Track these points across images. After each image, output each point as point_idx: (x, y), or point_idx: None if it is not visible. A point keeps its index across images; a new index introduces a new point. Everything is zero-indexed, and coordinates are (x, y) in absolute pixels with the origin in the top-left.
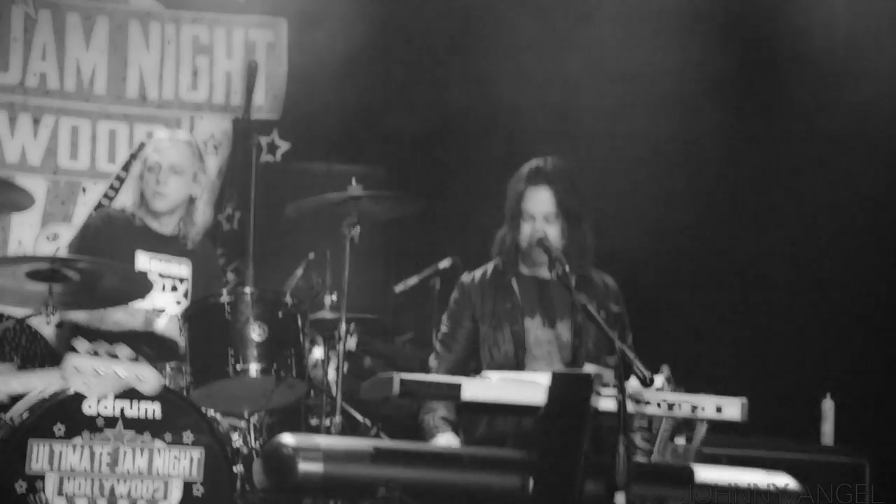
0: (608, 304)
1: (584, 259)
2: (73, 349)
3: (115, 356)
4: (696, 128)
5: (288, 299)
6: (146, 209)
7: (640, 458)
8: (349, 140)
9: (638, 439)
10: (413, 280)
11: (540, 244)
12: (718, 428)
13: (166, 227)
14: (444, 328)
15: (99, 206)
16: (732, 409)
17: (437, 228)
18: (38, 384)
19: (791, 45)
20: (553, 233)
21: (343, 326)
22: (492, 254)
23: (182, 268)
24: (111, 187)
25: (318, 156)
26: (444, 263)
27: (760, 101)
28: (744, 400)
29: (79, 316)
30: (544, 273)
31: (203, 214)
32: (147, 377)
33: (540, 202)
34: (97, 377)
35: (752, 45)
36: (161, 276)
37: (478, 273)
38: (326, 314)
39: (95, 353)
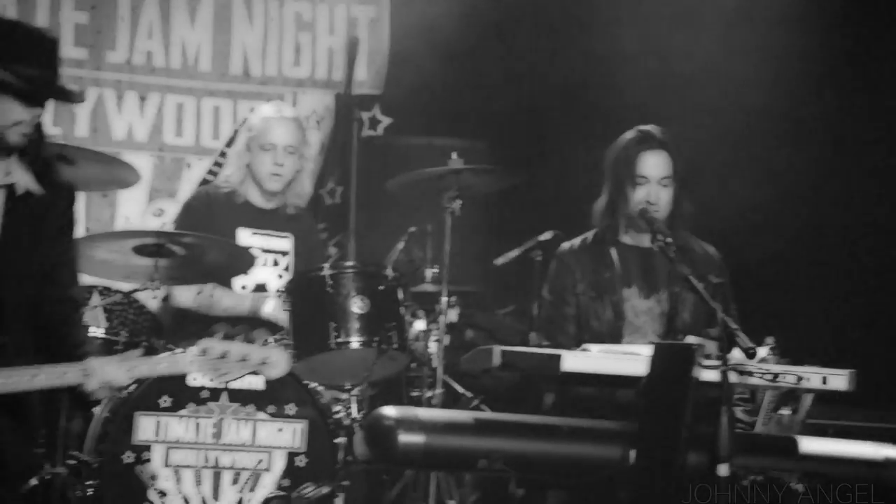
0: (710, 274)
1: (686, 227)
2: (179, 323)
3: (251, 341)
4: (803, 107)
5: (389, 272)
6: (255, 186)
7: (741, 430)
8: (450, 115)
9: (739, 412)
10: (514, 253)
11: (642, 214)
12: (825, 399)
13: (269, 202)
14: (544, 297)
15: (203, 182)
16: (839, 379)
17: (538, 201)
18: (166, 369)
19: None
20: (665, 197)
21: (444, 299)
22: (593, 223)
23: (284, 242)
24: (215, 163)
25: (418, 130)
26: (546, 236)
27: (872, 85)
28: (851, 371)
29: (187, 300)
30: (644, 242)
31: (305, 189)
32: (275, 361)
33: (657, 165)
34: (223, 362)
35: (871, 28)
36: (263, 251)
37: (577, 241)
38: (428, 287)
39: (231, 338)
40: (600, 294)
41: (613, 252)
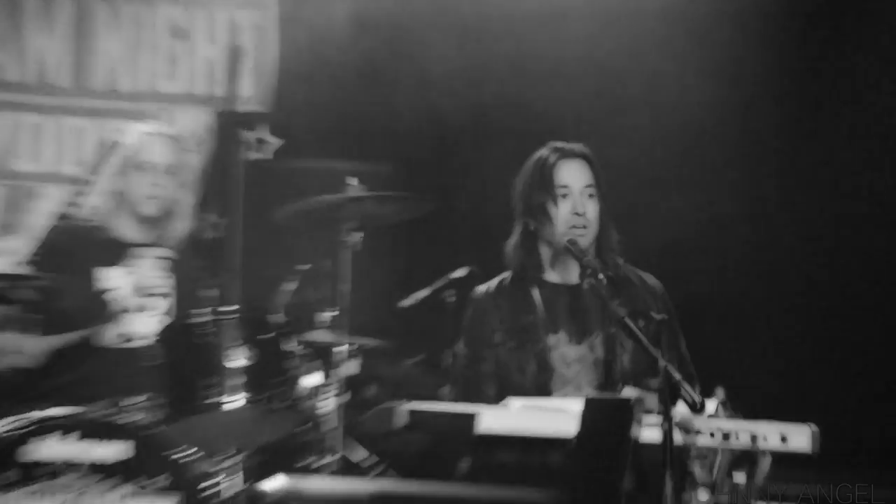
0: (651, 309)
1: (618, 254)
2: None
3: None
4: (753, 122)
5: (278, 318)
6: (128, 216)
7: (699, 492)
8: (349, 135)
9: (697, 468)
10: (423, 293)
11: (569, 247)
12: (785, 461)
13: (145, 234)
14: (458, 350)
15: (62, 216)
16: (800, 438)
17: (451, 234)
18: None
19: (856, 38)
20: (593, 210)
21: (343, 349)
22: (506, 265)
23: (160, 282)
24: (78, 192)
25: (313, 153)
26: (460, 273)
27: (826, 101)
28: (813, 427)
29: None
30: (572, 277)
31: (185, 220)
32: (28, 348)
33: (579, 172)
34: None
35: (821, 42)
36: (137, 293)
37: (493, 283)
38: (324, 335)
39: None
40: (522, 343)
41: (535, 293)
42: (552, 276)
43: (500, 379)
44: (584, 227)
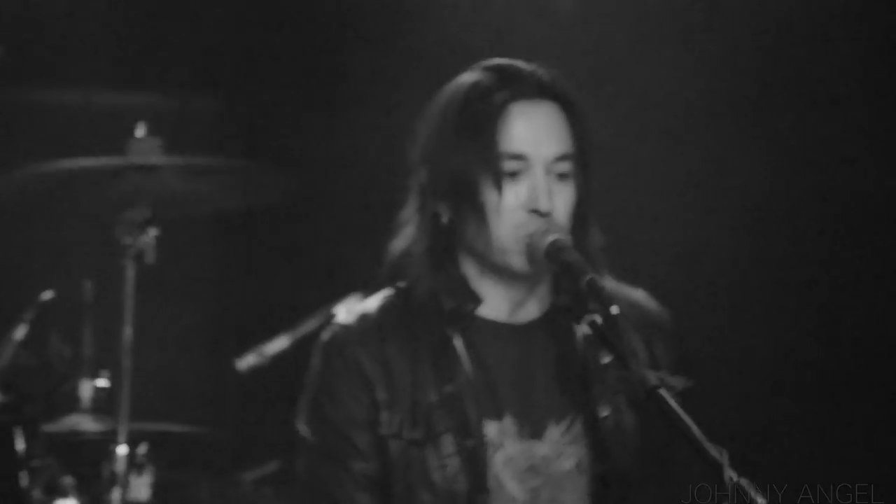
0: (660, 364)
1: (603, 265)
2: None
3: None
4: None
5: None
6: None
7: None
8: (133, 38)
9: None
10: (281, 343)
11: (552, 250)
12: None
13: None
14: (308, 447)
15: None
16: None
17: (330, 231)
18: None
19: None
20: (565, 201)
21: (121, 450)
22: (388, 276)
23: None
24: None
25: (65, 72)
26: (346, 306)
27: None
28: None
29: None
30: (525, 313)
31: None
32: None
33: (545, 131)
34: None
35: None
36: None
37: (370, 309)
38: (85, 421)
39: None
40: (431, 436)
41: (458, 342)
42: (489, 310)
43: (389, 496)
44: (546, 230)
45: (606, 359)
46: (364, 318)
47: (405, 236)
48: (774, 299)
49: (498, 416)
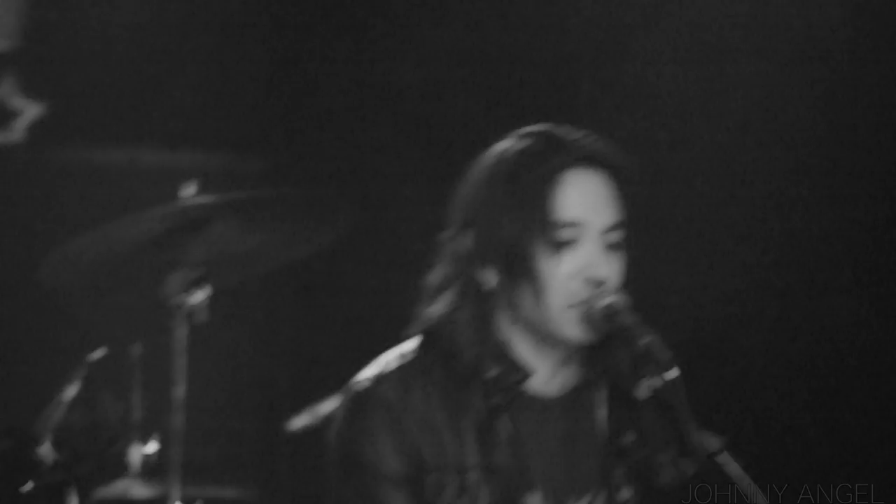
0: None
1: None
2: None
3: None
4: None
5: (46, 452)
6: None
7: None
8: (180, 98)
9: None
10: (332, 404)
11: (610, 312)
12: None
13: None
14: (354, 487)
15: None
16: None
17: (381, 292)
18: None
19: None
20: (618, 273)
21: None
22: (421, 338)
23: None
24: None
25: (107, 131)
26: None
27: None
28: None
29: None
30: (558, 387)
31: None
32: None
33: (602, 198)
34: None
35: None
36: None
37: (406, 367)
38: (135, 486)
39: None
40: None
41: (503, 412)
42: (531, 381)
43: None
44: (600, 294)
45: (630, 438)
46: (410, 378)
47: (443, 301)
48: (771, 300)
49: (531, 490)
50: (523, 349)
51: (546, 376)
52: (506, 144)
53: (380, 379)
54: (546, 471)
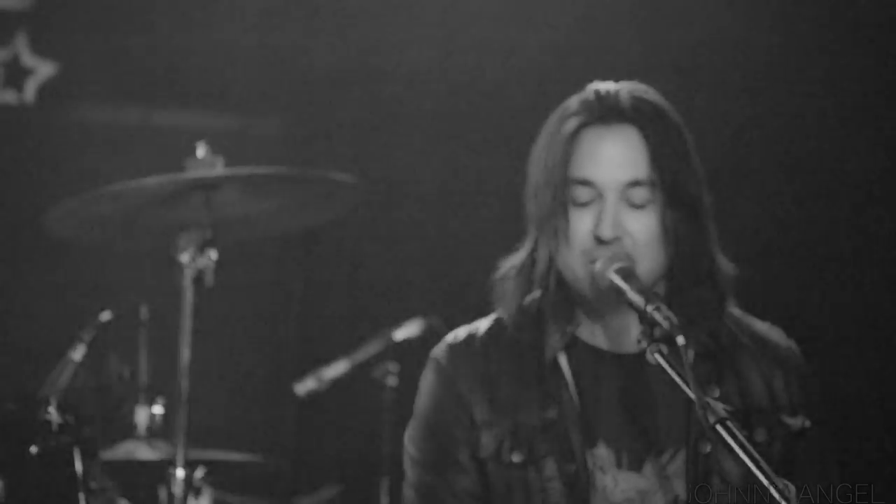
0: (779, 405)
1: (716, 299)
2: None
3: None
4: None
5: (52, 415)
6: None
7: None
8: (194, 62)
9: None
10: (339, 368)
11: (613, 282)
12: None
13: None
14: (410, 459)
15: None
16: None
17: (394, 259)
18: None
19: None
20: (641, 232)
21: (179, 474)
22: (498, 304)
23: None
24: None
25: (116, 92)
26: (408, 332)
27: None
28: None
29: None
30: (627, 343)
31: None
32: None
33: (619, 155)
34: None
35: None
36: None
37: (479, 331)
38: (141, 448)
39: None
40: (535, 457)
41: (563, 361)
42: (591, 336)
43: None
44: (611, 257)
45: (715, 394)
46: (471, 338)
47: (518, 254)
48: (772, 292)
49: (593, 445)
50: (576, 305)
51: (605, 333)
52: (560, 108)
53: (451, 343)
54: (613, 425)
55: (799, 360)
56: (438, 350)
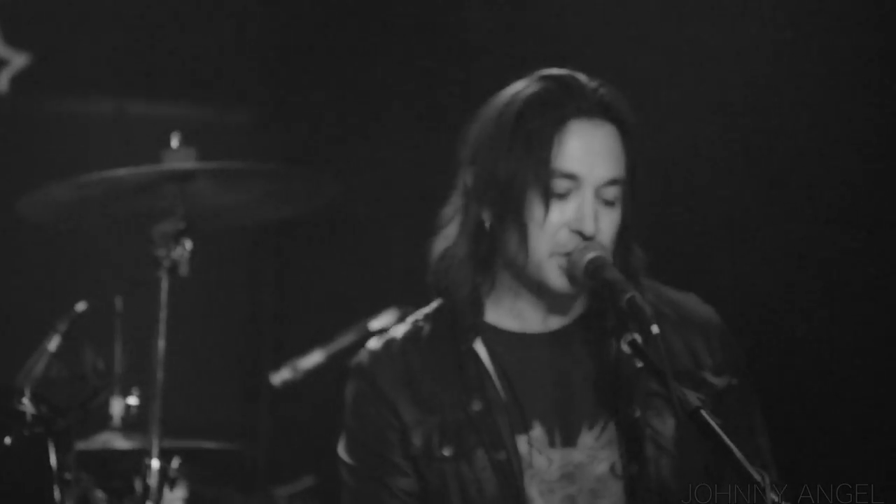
0: (703, 366)
1: (643, 273)
2: None
3: None
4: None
5: (26, 405)
6: None
7: None
8: (157, 50)
9: None
10: (315, 358)
11: (592, 267)
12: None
13: None
14: (343, 462)
15: None
16: None
17: (367, 247)
18: None
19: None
20: (608, 229)
21: (153, 465)
22: (433, 286)
23: None
24: None
25: (91, 82)
26: (384, 321)
27: None
28: None
29: None
30: (551, 322)
31: None
32: None
33: (602, 152)
34: None
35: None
36: None
37: (399, 331)
38: (116, 439)
39: None
40: (464, 450)
41: (481, 351)
42: (511, 321)
43: None
44: (585, 248)
45: (641, 363)
46: (390, 341)
47: (446, 237)
48: (769, 299)
49: (527, 428)
50: (511, 292)
51: (537, 317)
52: (521, 85)
53: (370, 349)
54: (544, 405)
55: (718, 323)
56: (359, 358)
